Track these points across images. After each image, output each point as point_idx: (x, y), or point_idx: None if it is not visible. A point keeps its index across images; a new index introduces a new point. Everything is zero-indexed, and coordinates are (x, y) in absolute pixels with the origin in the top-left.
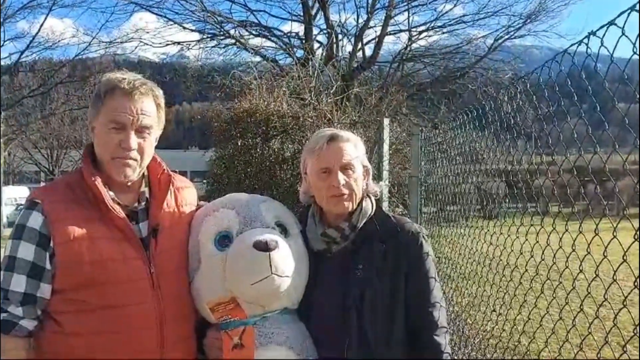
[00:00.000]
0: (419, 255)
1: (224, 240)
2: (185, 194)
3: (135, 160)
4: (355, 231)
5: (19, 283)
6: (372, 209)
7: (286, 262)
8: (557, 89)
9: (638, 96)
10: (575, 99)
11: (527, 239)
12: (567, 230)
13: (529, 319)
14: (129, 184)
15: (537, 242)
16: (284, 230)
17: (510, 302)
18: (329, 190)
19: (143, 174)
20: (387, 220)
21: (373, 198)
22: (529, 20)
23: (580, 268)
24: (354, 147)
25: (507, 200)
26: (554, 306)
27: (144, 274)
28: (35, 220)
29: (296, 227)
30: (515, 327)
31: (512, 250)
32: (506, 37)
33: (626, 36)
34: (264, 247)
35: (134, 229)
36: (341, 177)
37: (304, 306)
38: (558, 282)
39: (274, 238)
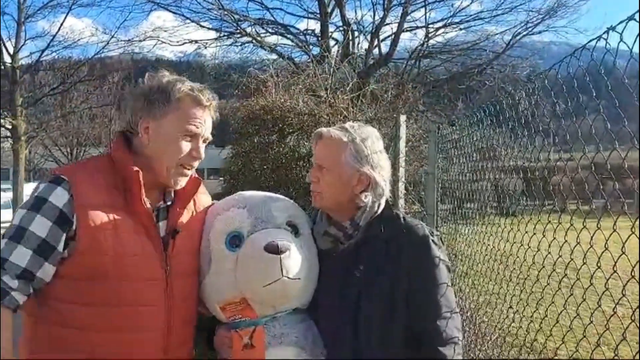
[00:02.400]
0: (424, 259)
1: (234, 240)
2: (203, 199)
3: (193, 168)
4: (358, 229)
5: (21, 257)
6: (379, 208)
7: (297, 265)
8: (575, 84)
9: (638, 94)
10: (594, 94)
11: (544, 236)
12: (584, 227)
13: (546, 315)
14: (158, 183)
15: (555, 238)
16: (294, 230)
17: (527, 299)
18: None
19: None
20: (395, 221)
21: (383, 197)
22: (547, 16)
23: (598, 264)
24: (341, 148)
25: (525, 198)
26: (571, 304)
27: (160, 275)
28: (59, 197)
29: (307, 226)
30: (531, 323)
31: (529, 247)
32: (524, 33)
33: None
34: (275, 250)
35: (157, 227)
36: (312, 174)
37: (311, 306)
38: (575, 279)
39: (285, 241)
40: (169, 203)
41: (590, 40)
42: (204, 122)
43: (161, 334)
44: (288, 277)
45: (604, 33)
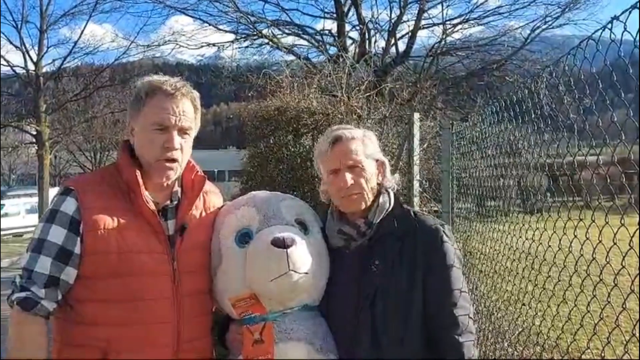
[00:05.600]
0: (438, 252)
1: (244, 237)
2: (213, 199)
3: (177, 161)
4: (372, 227)
5: (44, 265)
6: (390, 204)
7: (304, 259)
8: (582, 76)
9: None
10: (601, 86)
11: (576, 236)
12: (623, 224)
13: (569, 318)
14: (165, 185)
15: (588, 238)
16: (303, 228)
17: (539, 296)
18: (339, 191)
19: None
20: (406, 217)
21: (392, 193)
22: (567, 9)
23: (623, 264)
24: (360, 144)
25: (550, 195)
26: (595, 303)
27: (167, 270)
28: (69, 206)
29: (316, 224)
30: (541, 320)
31: (559, 249)
32: (544, 27)
33: None
34: (282, 244)
35: (163, 225)
36: (348, 177)
37: (323, 303)
38: (599, 279)
39: (291, 235)
40: (175, 202)
41: (596, 31)
42: (174, 111)
43: (173, 327)
44: (295, 271)
45: (608, 23)
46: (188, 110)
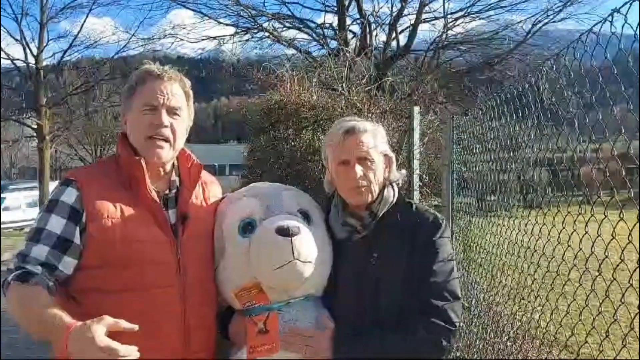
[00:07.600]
0: (432, 243)
1: (247, 227)
2: (214, 189)
3: (168, 140)
4: (376, 220)
5: (40, 252)
6: (394, 197)
7: (309, 248)
8: (582, 69)
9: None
10: (601, 79)
11: (575, 231)
12: (622, 219)
13: (568, 313)
14: (162, 173)
15: (587, 233)
16: (306, 218)
17: (538, 290)
18: (347, 182)
19: (173, 163)
20: (408, 210)
21: (395, 186)
22: (568, 3)
23: (621, 257)
24: (372, 138)
25: (550, 189)
26: (594, 297)
27: (171, 259)
28: (69, 196)
29: (319, 215)
30: (540, 314)
31: (558, 243)
32: (545, 20)
33: None
34: (286, 233)
35: (165, 214)
36: (359, 169)
37: (326, 294)
38: (597, 273)
39: (296, 224)
40: (174, 191)
41: (596, 24)
42: (162, 92)
43: (179, 316)
44: (299, 260)
45: (608, 15)
46: (177, 93)
